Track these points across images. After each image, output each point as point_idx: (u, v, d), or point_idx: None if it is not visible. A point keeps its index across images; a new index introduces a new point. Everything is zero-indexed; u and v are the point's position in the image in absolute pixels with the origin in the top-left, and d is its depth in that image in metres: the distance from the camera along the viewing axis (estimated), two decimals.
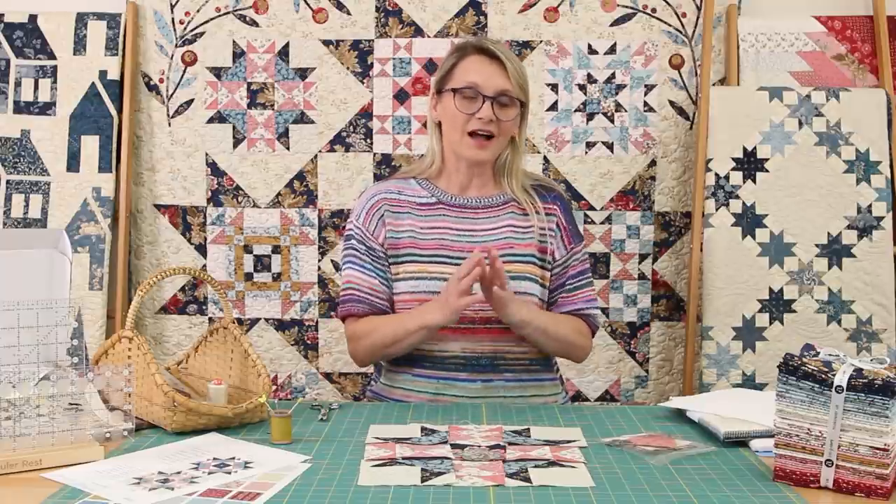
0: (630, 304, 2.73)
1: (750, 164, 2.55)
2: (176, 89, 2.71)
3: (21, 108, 2.69)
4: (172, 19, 2.69)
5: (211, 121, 2.71)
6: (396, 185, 2.09)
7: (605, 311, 2.71)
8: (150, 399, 1.65)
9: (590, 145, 2.70)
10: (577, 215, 2.67)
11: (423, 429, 1.68)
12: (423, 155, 2.14)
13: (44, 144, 2.68)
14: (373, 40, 2.69)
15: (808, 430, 1.38)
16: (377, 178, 2.68)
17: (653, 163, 2.70)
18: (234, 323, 1.83)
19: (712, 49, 2.65)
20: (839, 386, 1.35)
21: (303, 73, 2.70)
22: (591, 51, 2.68)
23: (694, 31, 2.68)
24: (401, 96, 2.70)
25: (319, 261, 2.73)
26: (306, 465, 1.47)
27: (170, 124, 2.72)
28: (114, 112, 2.67)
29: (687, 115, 2.70)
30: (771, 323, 2.52)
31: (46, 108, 2.69)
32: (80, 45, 2.68)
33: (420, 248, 2.01)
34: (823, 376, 1.37)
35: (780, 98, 2.56)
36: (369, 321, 2.00)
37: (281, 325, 2.75)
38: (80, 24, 2.68)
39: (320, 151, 2.71)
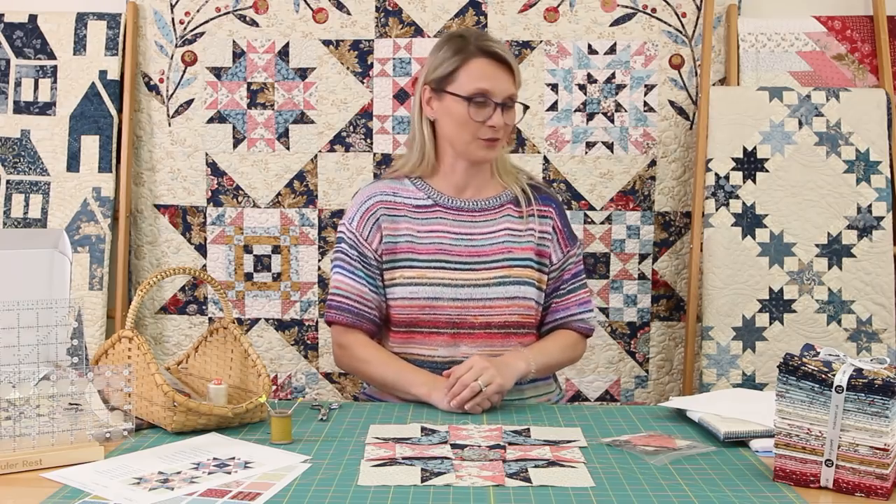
0: (630, 304, 2.73)
1: (750, 164, 2.55)
2: (176, 89, 2.71)
3: (21, 108, 2.69)
4: (172, 19, 2.69)
5: (211, 121, 2.71)
6: (390, 186, 2.05)
7: (604, 311, 2.71)
8: (150, 399, 1.65)
9: (590, 145, 2.70)
10: (576, 215, 2.68)
11: (423, 429, 1.68)
12: (403, 153, 2.11)
13: (44, 144, 2.68)
14: (373, 40, 2.69)
15: (808, 430, 1.38)
16: (377, 178, 2.68)
17: (653, 163, 2.70)
18: (234, 323, 1.83)
19: (712, 49, 2.65)
20: (839, 386, 1.35)
21: (303, 73, 2.70)
22: (591, 51, 2.68)
23: (694, 31, 2.68)
24: (401, 96, 2.70)
25: (319, 261, 2.73)
26: (306, 465, 1.47)
27: (170, 124, 2.72)
28: (114, 112, 2.67)
29: (687, 115, 2.70)
30: (771, 323, 2.52)
31: (46, 108, 2.68)
32: (80, 45, 2.68)
33: (418, 252, 1.99)
34: (823, 376, 1.37)
35: (780, 98, 2.56)
36: (366, 349, 1.98)
37: (281, 325, 2.75)
38: (80, 24, 2.68)
39: (320, 151, 2.71)
